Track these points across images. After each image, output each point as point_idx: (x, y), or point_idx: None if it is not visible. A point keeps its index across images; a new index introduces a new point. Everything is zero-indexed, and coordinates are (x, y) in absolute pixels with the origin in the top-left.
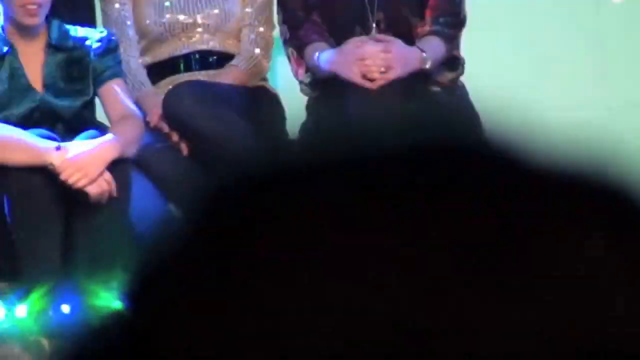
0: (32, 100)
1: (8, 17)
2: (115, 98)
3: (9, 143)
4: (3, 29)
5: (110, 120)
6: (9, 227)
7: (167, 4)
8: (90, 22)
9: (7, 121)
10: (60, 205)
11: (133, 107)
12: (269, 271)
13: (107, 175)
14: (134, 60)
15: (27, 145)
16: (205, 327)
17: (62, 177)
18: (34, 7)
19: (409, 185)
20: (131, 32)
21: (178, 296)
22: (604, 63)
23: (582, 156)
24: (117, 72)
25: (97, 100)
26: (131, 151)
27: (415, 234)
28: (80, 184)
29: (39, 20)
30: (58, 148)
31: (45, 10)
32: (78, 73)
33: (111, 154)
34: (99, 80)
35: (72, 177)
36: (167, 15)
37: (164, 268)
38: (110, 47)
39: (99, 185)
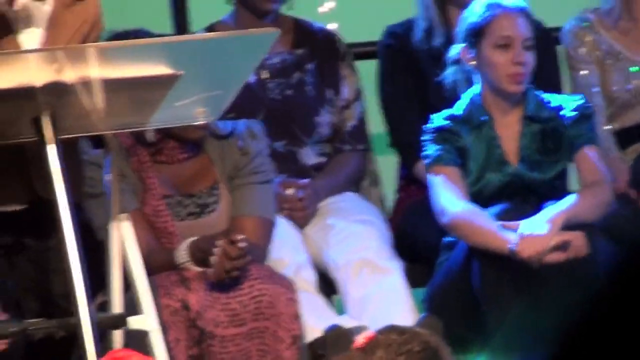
0: (506, 173)
1: (489, 85)
2: (588, 164)
3: (473, 228)
4: (481, 97)
5: (582, 186)
6: (478, 299)
7: (633, 69)
8: (558, 88)
9: (479, 193)
10: (523, 279)
11: (604, 173)
12: None
13: (567, 236)
14: (601, 127)
15: (487, 231)
16: None
17: (517, 251)
18: (522, 76)
19: None
20: (598, 99)
21: None
22: None
23: None
24: (592, 138)
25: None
26: (594, 215)
27: None
28: (532, 257)
29: (522, 88)
30: (515, 230)
31: (528, 79)
32: (553, 144)
33: (560, 218)
34: (573, 147)
35: (526, 251)
36: (634, 82)
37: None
38: (585, 114)
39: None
